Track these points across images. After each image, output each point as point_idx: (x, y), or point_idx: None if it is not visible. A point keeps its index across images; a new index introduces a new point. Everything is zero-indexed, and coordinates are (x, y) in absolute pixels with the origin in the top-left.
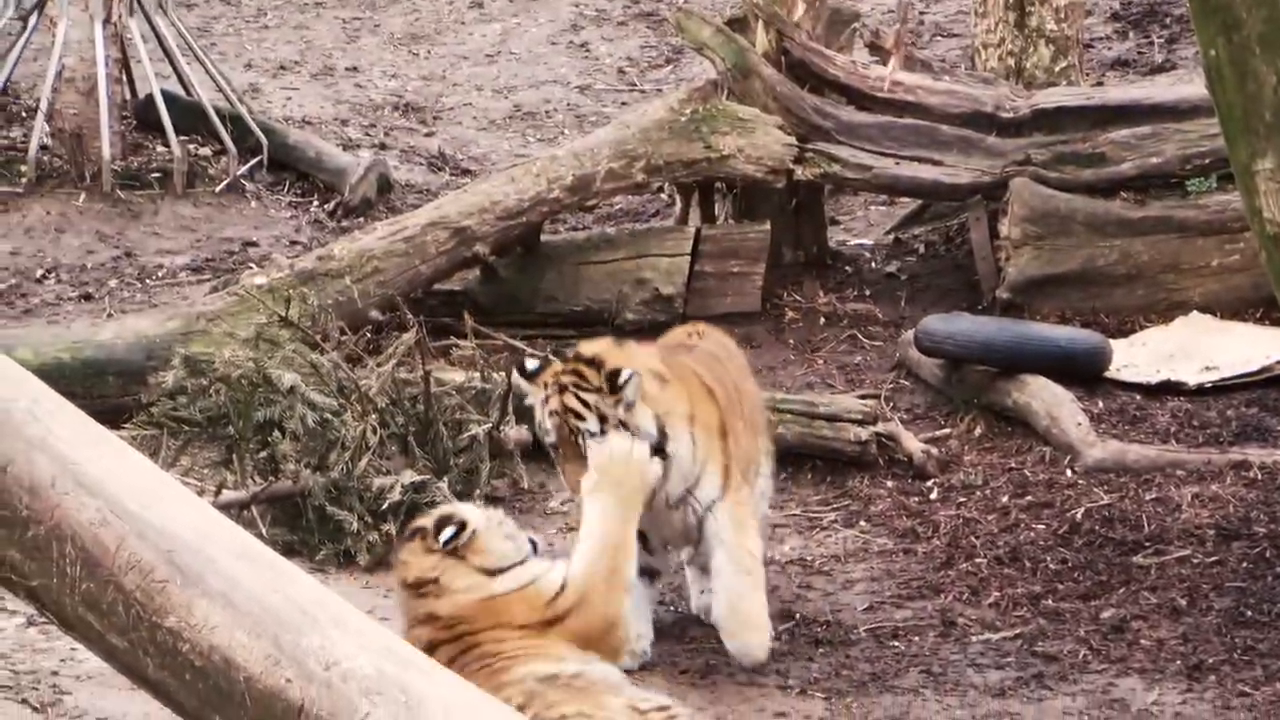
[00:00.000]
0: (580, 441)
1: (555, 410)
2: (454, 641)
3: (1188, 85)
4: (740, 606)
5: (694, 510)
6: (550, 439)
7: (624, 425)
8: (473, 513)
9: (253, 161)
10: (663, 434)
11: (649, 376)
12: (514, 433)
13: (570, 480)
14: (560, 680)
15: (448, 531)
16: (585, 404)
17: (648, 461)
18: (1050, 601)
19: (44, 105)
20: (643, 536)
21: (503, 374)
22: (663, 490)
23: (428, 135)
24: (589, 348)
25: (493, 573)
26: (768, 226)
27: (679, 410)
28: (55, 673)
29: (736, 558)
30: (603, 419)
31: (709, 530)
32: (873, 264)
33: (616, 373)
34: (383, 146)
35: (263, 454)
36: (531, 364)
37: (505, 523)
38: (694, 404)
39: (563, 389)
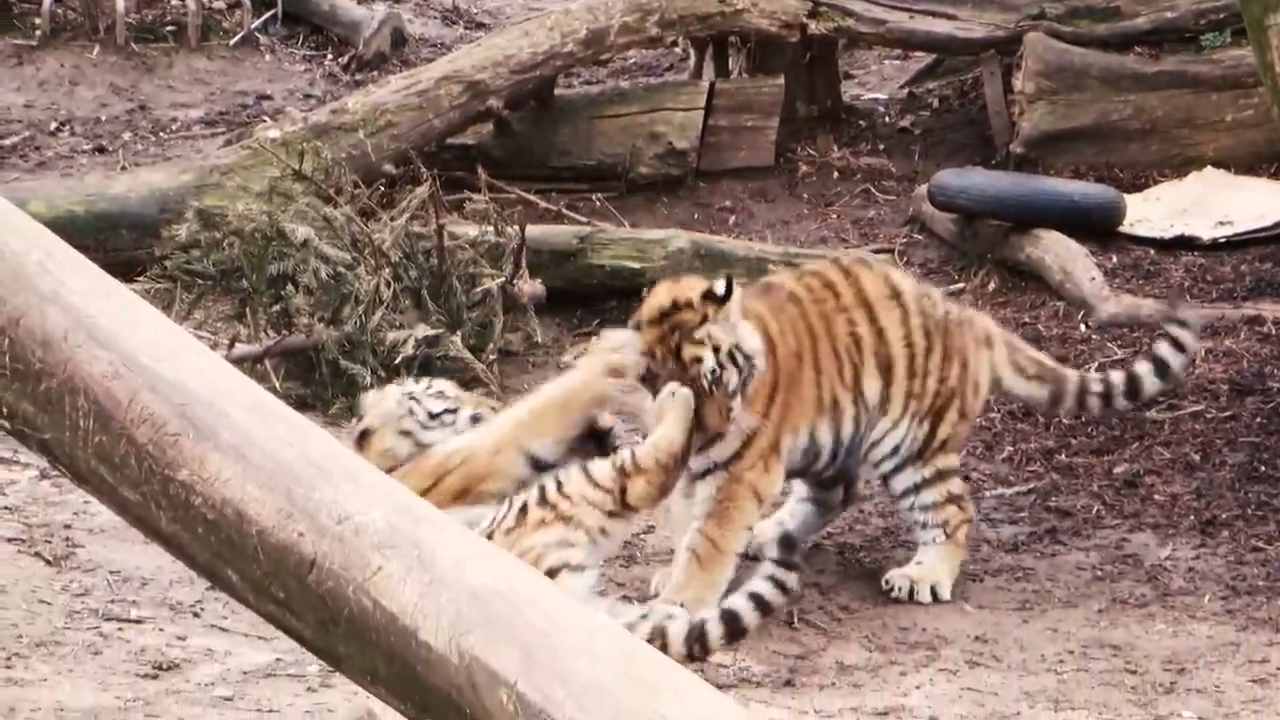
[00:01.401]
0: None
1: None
2: None
3: None
4: (673, 597)
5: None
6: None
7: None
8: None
9: (267, 15)
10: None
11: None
12: (528, 286)
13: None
14: None
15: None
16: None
17: None
18: (1063, 457)
19: None
20: None
21: (516, 228)
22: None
23: None
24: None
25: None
26: (781, 81)
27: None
28: (68, 526)
29: (699, 543)
30: (716, 349)
31: (699, 493)
32: (886, 118)
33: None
34: (397, 0)
35: (276, 308)
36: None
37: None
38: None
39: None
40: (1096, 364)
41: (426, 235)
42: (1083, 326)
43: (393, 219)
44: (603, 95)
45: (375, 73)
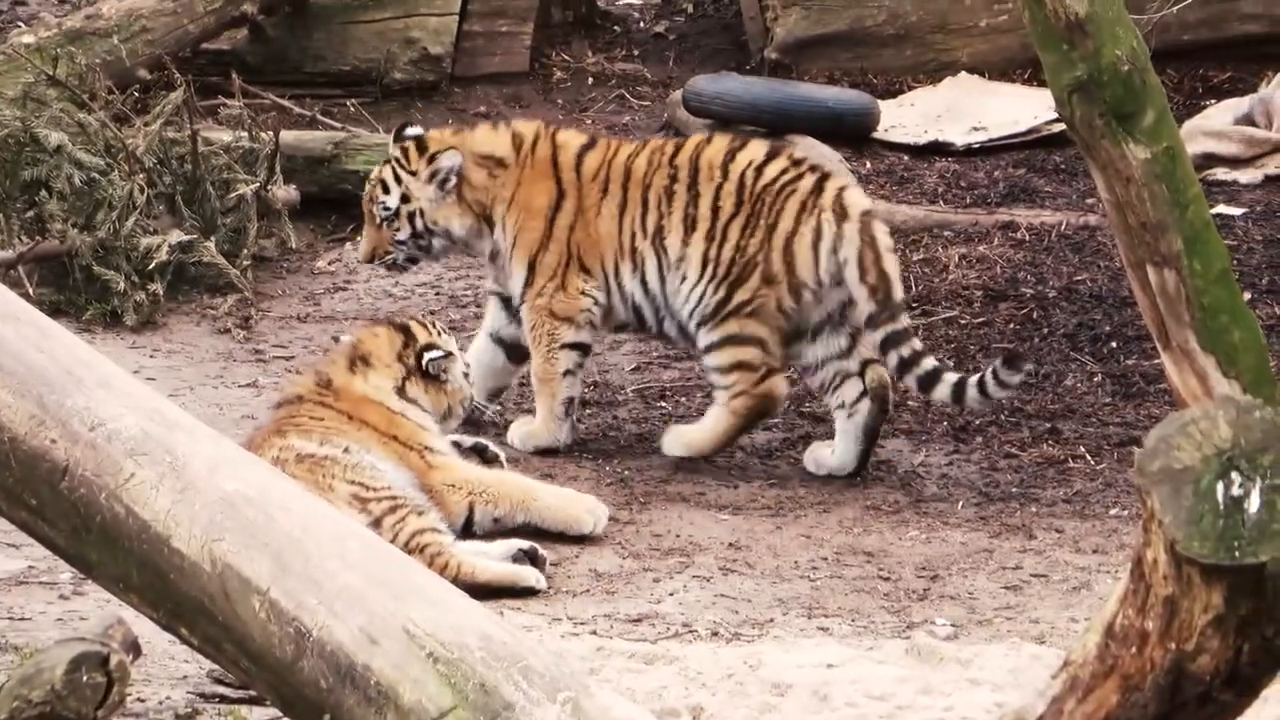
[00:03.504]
0: (374, 213)
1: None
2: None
3: None
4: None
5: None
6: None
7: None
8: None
9: None
10: (488, 221)
11: (475, 163)
12: (282, 192)
13: (362, 249)
14: (306, 460)
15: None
16: (397, 179)
17: None
18: None
19: None
20: None
21: (270, 133)
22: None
23: None
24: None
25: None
26: None
27: (502, 196)
28: None
29: (532, 379)
30: (404, 199)
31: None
32: (641, 24)
33: (435, 155)
34: None
35: (29, 214)
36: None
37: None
38: (523, 189)
39: (386, 161)
40: None
41: (181, 141)
42: None
43: (147, 125)
44: (357, 0)
45: None
